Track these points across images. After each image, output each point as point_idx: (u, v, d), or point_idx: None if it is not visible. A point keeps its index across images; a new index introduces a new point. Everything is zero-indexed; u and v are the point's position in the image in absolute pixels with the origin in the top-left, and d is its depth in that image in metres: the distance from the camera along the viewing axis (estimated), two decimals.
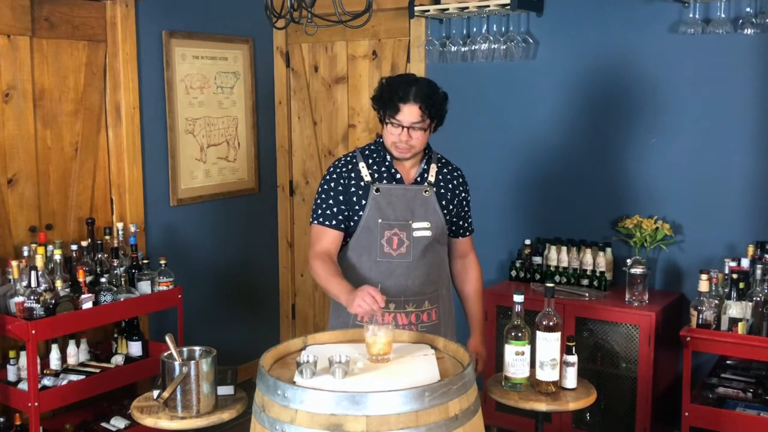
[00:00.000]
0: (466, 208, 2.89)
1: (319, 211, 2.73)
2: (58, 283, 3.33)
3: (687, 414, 3.30)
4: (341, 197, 2.72)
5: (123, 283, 3.55)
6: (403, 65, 4.48)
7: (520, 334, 2.49)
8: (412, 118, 2.61)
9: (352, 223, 2.73)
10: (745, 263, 3.37)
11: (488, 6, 3.93)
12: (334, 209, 2.72)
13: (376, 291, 2.39)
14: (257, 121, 4.82)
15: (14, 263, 3.30)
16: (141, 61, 4.07)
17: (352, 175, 2.74)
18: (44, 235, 3.56)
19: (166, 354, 2.44)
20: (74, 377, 3.41)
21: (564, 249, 3.93)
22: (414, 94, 2.59)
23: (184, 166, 4.35)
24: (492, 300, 3.85)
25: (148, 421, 2.41)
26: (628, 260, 3.63)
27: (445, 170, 2.83)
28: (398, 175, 2.74)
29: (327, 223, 2.72)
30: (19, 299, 3.23)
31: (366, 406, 1.93)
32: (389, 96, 2.62)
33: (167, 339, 2.46)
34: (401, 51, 4.49)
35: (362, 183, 2.73)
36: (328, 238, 2.71)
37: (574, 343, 2.58)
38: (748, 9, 3.48)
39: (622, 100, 3.87)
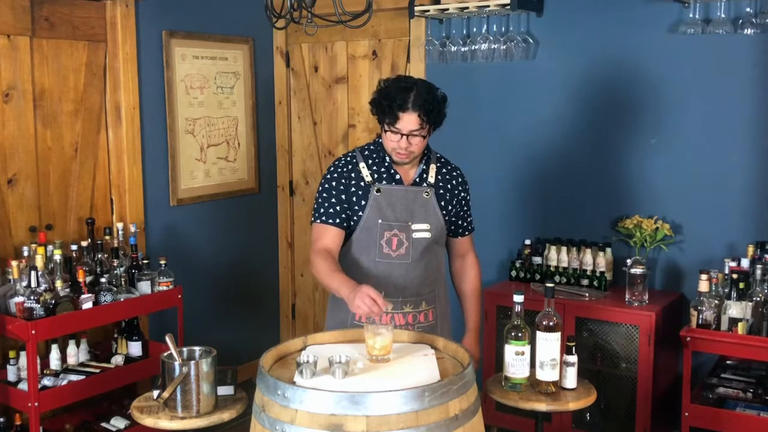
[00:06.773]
0: (465, 208, 2.89)
1: (321, 210, 2.72)
2: (58, 283, 3.33)
3: (687, 414, 3.30)
4: (343, 196, 2.71)
5: (123, 283, 3.55)
6: (403, 65, 4.48)
7: (520, 334, 2.49)
8: (411, 126, 2.59)
9: (351, 223, 2.72)
10: (745, 263, 3.36)
11: (488, 6, 3.93)
12: (336, 207, 2.71)
13: (377, 294, 2.37)
14: (257, 121, 4.81)
15: (14, 263, 3.30)
16: (141, 61, 4.07)
17: (353, 175, 2.73)
18: (44, 235, 3.56)
19: (166, 354, 2.44)
20: (74, 377, 3.41)
21: (564, 249, 3.93)
22: (413, 101, 2.56)
23: (184, 166, 4.35)
24: (492, 300, 3.85)
25: (148, 421, 2.41)
26: (628, 260, 3.63)
27: (444, 170, 2.82)
28: (397, 176, 2.74)
29: (329, 221, 2.70)
30: (19, 299, 3.23)
31: (366, 406, 1.93)
32: (388, 104, 2.58)
33: (167, 339, 2.46)
34: (401, 51, 4.49)
35: (362, 183, 2.72)
36: (329, 235, 2.70)
37: (574, 343, 2.58)
38: (748, 9, 3.48)
39: (622, 100, 3.86)
